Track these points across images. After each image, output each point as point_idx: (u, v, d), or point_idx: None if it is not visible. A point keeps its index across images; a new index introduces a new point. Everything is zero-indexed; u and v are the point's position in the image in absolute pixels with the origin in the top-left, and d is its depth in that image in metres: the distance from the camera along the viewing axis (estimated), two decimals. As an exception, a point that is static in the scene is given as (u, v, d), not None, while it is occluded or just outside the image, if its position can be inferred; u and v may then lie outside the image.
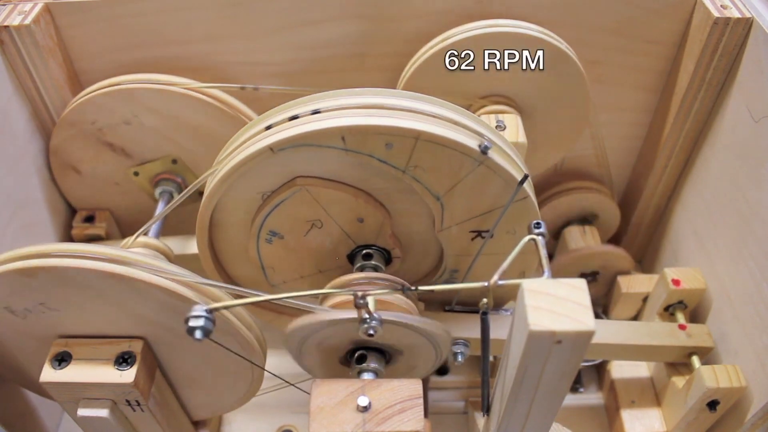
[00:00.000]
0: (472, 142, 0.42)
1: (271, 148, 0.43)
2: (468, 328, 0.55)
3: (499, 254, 0.49)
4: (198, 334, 0.36)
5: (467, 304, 0.58)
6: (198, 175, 0.63)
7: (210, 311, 0.36)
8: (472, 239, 0.48)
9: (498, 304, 0.58)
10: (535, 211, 0.46)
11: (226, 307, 0.41)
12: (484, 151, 0.42)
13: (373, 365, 0.46)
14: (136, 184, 0.64)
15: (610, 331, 0.58)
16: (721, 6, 0.56)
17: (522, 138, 0.54)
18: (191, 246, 0.60)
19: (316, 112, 0.43)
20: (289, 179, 0.47)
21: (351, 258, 0.51)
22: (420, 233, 0.50)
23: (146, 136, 0.61)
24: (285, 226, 0.50)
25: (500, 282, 0.36)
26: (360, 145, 0.43)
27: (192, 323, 0.36)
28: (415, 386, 0.42)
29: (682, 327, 0.59)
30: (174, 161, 0.63)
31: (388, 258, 0.51)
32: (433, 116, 0.43)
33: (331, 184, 0.47)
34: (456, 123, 0.43)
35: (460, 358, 0.54)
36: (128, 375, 0.42)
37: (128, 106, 0.59)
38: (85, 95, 0.59)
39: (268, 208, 0.48)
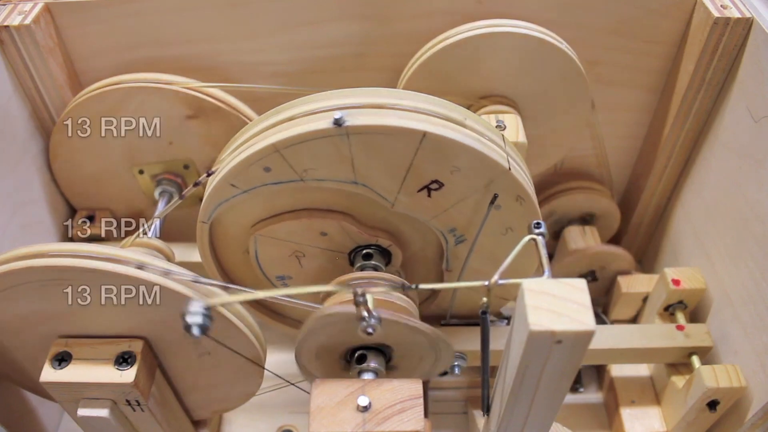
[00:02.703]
0: (325, 123, 0.41)
1: (203, 221, 0.48)
2: (464, 340, 0.55)
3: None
4: (195, 330, 0.35)
5: (462, 317, 0.58)
6: (198, 175, 0.63)
7: (207, 308, 0.36)
8: (429, 195, 0.46)
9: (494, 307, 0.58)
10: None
11: (223, 304, 0.41)
12: (339, 123, 0.41)
13: (373, 365, 0.46)
14: (138, 182, 0.64)
15: (607, 336, 0.58)
16: (721, 6, 0.56)
17: (522, 138, 0.54)
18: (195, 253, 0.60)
19: (210, 173, 0.47)
20: (247, 230, 0.50)
21: (352, 263, 0.51)
22: (393, 216, 0.49)
23: (147, 136, 0.61)
24: (281, 268, 0.51)
25: (500, 281, 0.36)
26: (248, 182, 0.45)
27: (189, 319, 0.35)
28: (415, 386, 0.42)
29: (680, 328, 0.59)
30: (186, 166, 0.63)
31: (386, 252, 0.51)
32: (288, 120, 0.43)
33: (271, 219, 0.49)
34: (309, 113, 0.43)
35: (456, 371, 0.54)
36: (128, 375, 0.42)
37: (128, 105, 0.58)
38: (85, 95, 0.59)
39: (254, 260, 0.51)
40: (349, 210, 0.49)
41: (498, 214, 0.47)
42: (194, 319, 0.35)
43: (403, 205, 0.47)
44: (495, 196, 0.45)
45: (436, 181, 0.45)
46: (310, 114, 0.42)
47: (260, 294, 0.40)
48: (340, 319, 0.44)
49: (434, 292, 0.56)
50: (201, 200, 0.48)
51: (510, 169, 0.43)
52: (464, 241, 0.50)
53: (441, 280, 0.53)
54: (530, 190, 0.46)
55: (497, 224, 0.48)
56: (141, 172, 0.63)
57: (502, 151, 0.44)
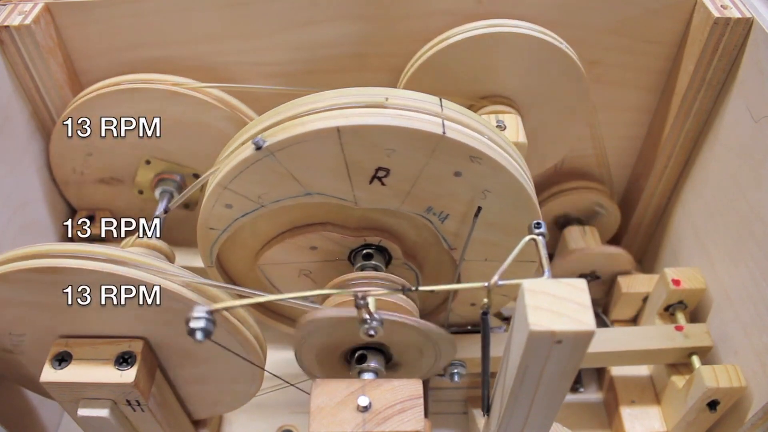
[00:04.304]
0: (249, 150, 0.43)
1: (208, 266, 0.51)
2: (463, 348, 0.55)
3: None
4: (199, 335, 0.36)
5: (460, 325, 0.58)
6: (198, 175, 0.63)
7: (211, 312, 0.36)
8: (383, 184, 0.45)
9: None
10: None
11: (227, 308, 0.41)
12: (258, 146, 0.42)
13: (373, 365, 0.46)
14: (138, 177, 0.64)
15: (606, 339, 0.58)
16: (721, 6, 0.56)
17: (522, 138, 0.54)
18: (197, 258, 0.60)
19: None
20: (253, 262, 0.52)
21: (353, 264, 0.51)
22: (370, 212, 0.49)
23: (147, 136, 0.61)
24: (298, 287, 0.53)
25: (500, 282, 0.36)
26: (221, 222, 0.47)
27: (193, 324, 0.36)
28: (415, 386, 0.42)
29: (678, 328, 0.59)
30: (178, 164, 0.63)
31: (383, 249, 0.51)
32: (229, 154, 0.44)
33: (263, 248, 0.51)
34: (241, 144, 0.44)
35: (456, 378, 0.54)
36: (128, 375, 0.42)
37: (129, 105, 0.58)
38: (86, 95, 0.59)
39: (272, 289, 0.54)
40: (327, 218, 0.49)
41: (463, 181, 0.45)
42: (198, 323, 0.36)
43: (364, 200, 0.46)
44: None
45: (380, 169, 0.44)
46: (241, 145, 0.44)
47: (262, 298, 0.40)
48: (333, 322, 0.44)
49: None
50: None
51: (445, 133, 0.41)
52: (449, 217, 0.48)
53: (453, 261, 0.53)
54: (482, 147, 0.43)
55: (470, 192, 0.46)
56: (148, 162, 0.63)
57: (437, 117, 0.42)
